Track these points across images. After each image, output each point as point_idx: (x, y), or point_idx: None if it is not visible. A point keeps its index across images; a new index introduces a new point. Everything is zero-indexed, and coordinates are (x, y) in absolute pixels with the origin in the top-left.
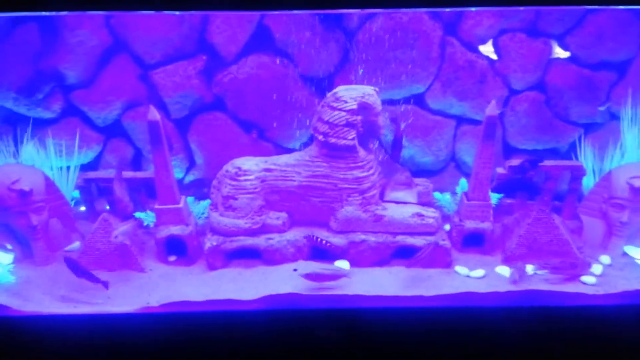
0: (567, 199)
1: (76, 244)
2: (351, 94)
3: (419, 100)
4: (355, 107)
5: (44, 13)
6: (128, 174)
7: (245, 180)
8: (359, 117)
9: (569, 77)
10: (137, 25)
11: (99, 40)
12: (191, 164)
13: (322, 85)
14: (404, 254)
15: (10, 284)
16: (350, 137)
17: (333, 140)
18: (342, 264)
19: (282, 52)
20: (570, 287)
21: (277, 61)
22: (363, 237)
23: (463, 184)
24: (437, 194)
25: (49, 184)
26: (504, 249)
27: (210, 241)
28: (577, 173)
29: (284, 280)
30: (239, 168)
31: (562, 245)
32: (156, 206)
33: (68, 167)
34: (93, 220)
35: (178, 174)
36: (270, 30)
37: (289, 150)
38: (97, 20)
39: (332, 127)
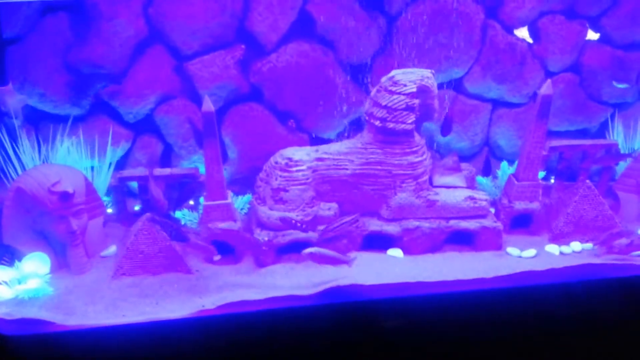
0: (602, 176)
1: (112, 248)
2: (409, 77)
3: (456, 84)
4: (414, 90)
5: None
6: (165, 170)
7: (297, 170)
8: (418, 101)
9: (603, 58)
10: (177, 13)
11: (135, 30)
12: (224, 159)
13: (361, 72)
14: (456, 239)
15: (50, 297)
16: (410, 122)
17: (391, 125)
18: (395, 252)
19: (323, 39)
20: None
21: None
22: (417, 223)
23: (504, 167)
24: (479, 178)
25: (88, 186)
26: (550, 228)
27: (260, 237)
28: (613, 151)
29: (340, 272)
30: (290, 159)
31: (608, 220)
32: (205, 202)
33: (100, 167)
34: (124, 222)
35: None
36: (312, 16)
37: (325, 141)
38: (134, 8)
39: (390, 112)
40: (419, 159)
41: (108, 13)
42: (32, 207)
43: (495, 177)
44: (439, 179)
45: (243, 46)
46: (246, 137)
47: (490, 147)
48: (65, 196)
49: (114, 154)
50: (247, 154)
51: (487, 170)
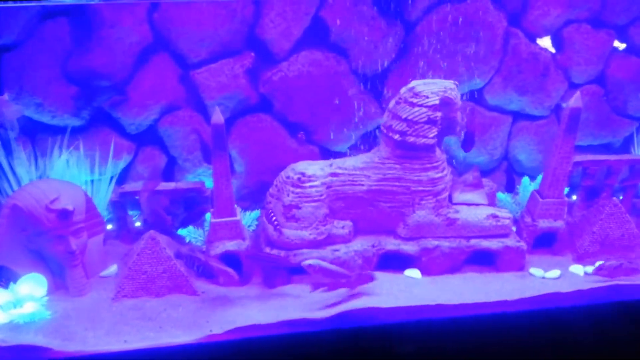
0: (626, 193)
1: (113, 268)
2: (431, 88)
3: (475, 95)
4: (437, 102)
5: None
6: (169, 185)
7: (310, 186)
8: (440, 114)
9: (630, 70)
10: (184, 19)
11: (139, 37)
12: (231, 172)
13: (376, 82)
14: (477, 260)
15: (47, 321)
16: (431, 135)
17: (412, 139)
18: (413, 273)
19: (337, 47)
20: None
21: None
22: (436, 242)
23: (526, 182)
24: (499, 194)
25: (88, 202)
26: (574, 248)
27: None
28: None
29: (354, 294)
30: (303, 173)
31: (634, 239)
32: (213, 219)
33: (100, 181)
34: (125, 239)
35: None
36: (325, 23)
37: (337, 154)
38: (138, 14)
39: (410, 125)
40: (440, 175)
41: (111, 19)
42: (29, 226)
43: (515, 193)
44: (459, 196)
45: (253, 54)
46: (254, 149)
47: (510, 161)
48: (64, 214)
49: (115, 167)
50: (255, 167)
51: (510, 186)
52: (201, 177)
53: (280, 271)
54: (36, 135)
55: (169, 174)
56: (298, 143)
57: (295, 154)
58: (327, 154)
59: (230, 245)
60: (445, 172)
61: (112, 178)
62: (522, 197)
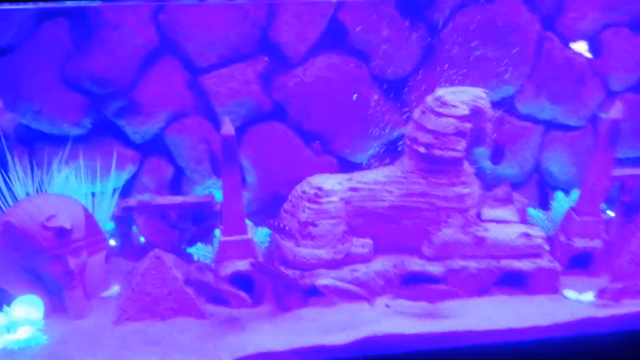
0: None
1: (115, 288)
2: (460, 97)
3: (506, 104)
4: (466, 112)
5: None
6: (176, 199)
7: (328, 202)
8: (470, 125)
9: None
10: (192, 21)
11: (144, 40)
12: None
13: (398, 88)
14: (507, 281)
15: (43, 347)
16: (460, 148)
17: (438, 152)
18: None
19: (356, 51)
20: None
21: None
22: (463, 263)
23: (559, 197)
24: (530, 210)
25: (88, 218)
26: (611, 268)
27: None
28: None
29: (377, 319)
30: (320, 188)
31: None
32: (222, 237)
33: (101, 194)
34: (128, 256)
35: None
36: (344, 25)
37: (355, 165)
38: (143, 15)
39: (437, 137)
40: (468, 190)
41: (114, 20)
42: (23, 245)
43: (547, 209)
44: (488, 212)
45: (266, 58)
46: (267, 160)
47: (541, 174)
48: (62, 232)
49: (118, 178)
50: (268, 178)
51: (544, 202)
52: (211, 189)
53: (294, 292)
54: (33, 145)
55: (176, 185)
56: (314, 153)
57: (310, 164)
58: (345, 164)
59: (241, 265)
60: (473, 187)
61: (115, 191)
62: (555, 213)
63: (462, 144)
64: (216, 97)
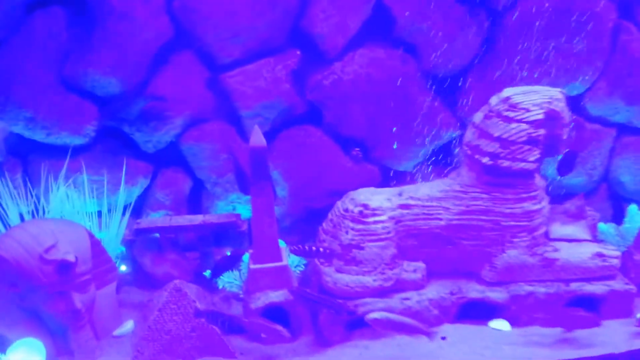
0: None
1: (129, 325)
2: (533, 99)
3: (575, 104)
4: (541, 116)
5: None
6: (196, 218)
7: (375, 222)
8: (544, 131)
9: None
10: (212, 9)
11: (156, 32)
12: None
13: (452, 87)
14: (576, 305)
15: None
16: (532, 159)
17: (506, 163)
18: (500, 325)
19: (403, 43)
20: None
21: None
22: (530, 288)
23: (633, 211)
24: (601, 225)
25: (95, 245)
26: None
27: None
28: None
29: (431, 354)
30: (365, 206)
31: None
32: (252, 265)
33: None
34: (143, 286)
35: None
36: (390, 14)
37: (400, 175)
38: (155, 3)
39: (505, 146)
40: (537, 206)
41: (120, 9)
42: (19, 281)
43: (619, 223)
44: (558, 230)
45: (298, 52)
46: (300, 170)
47: (609, 183)
48: (64, 266)
49: (129, 194)
50: (302, 191)
51: (618, 216)
52: (235, 204)
53: (336, 325)
54: (28, 158)
55: (195, 201)
56: (353, 161)
57: (349, 174)
58: (388, 174)
59: (275, 297)
60: (543, 203)
61: (125, 209)
62: (627, 228)
63: (534, 154)
64: (240, 99)
